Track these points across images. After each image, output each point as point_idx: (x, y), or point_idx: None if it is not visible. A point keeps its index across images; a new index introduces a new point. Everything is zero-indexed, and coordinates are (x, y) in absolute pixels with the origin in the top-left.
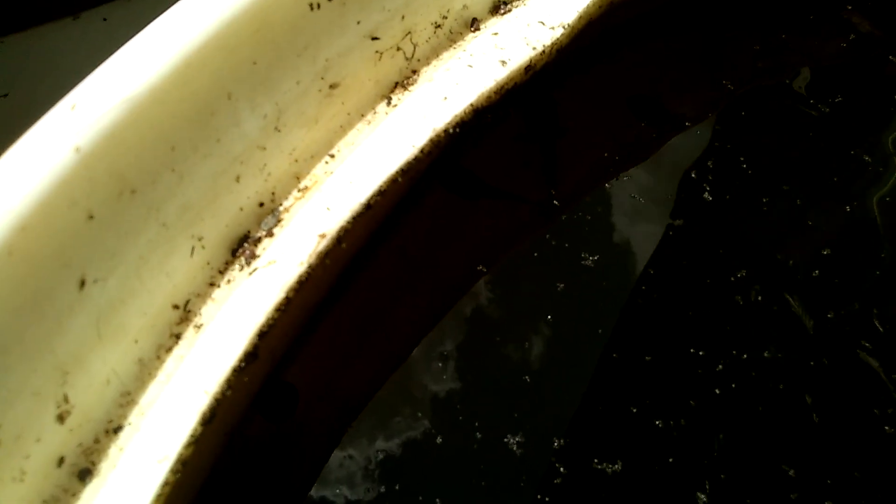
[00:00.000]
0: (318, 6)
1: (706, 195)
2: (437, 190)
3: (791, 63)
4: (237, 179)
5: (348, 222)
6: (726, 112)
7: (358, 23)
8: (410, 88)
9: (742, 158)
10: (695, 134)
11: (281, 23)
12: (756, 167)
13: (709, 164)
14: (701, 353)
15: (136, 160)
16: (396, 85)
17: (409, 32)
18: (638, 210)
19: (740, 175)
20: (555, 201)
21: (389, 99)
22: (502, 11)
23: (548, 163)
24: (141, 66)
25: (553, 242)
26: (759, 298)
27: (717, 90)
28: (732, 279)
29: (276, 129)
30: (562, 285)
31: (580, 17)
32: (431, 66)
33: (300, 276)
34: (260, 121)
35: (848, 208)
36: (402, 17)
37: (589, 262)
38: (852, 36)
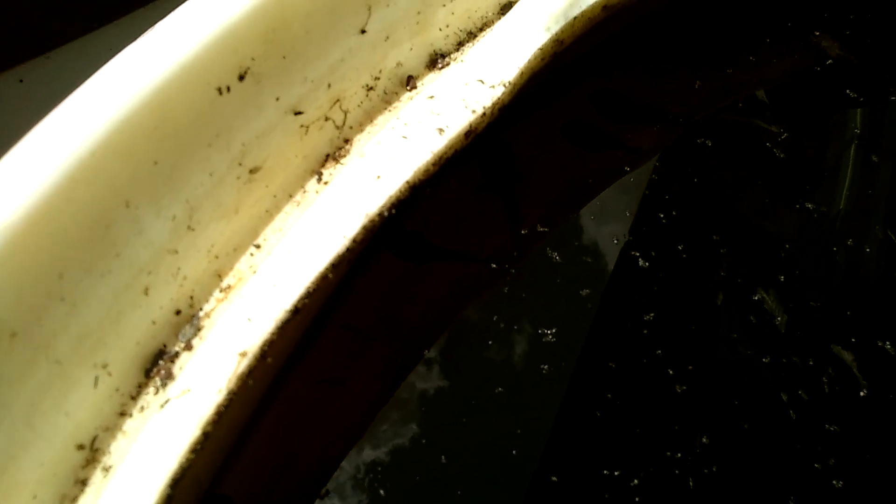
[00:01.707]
0: (228, 89)
1: (661, 237)
2: (383, 256)
3: (752, 90)
4: (145, 292)
5: (273, 334)
6: (681, 142)
7: (277, 99)
8: (343, 161)
9: (694, 195)
10: (650, 167)
11: (185, 114)
12: (708, 204)
13: (665, 197)
14: (639, 432)
15: (14, 301)
16: (328, 157)
17: (338, 100)
18: (591, 261)
19: (697, 213)
20: (493, 264)
21: (320, 174)
22: (440, 66)
23: (510, 210)
24: (13, 191)
25: (503, 309)
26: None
27: (673, 120)
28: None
29: (190, 228)
30: (515, 357)
31: (521, 74)
32: (365, 134)
33: (218, 407)
34: (168, 223)
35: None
36: (329, 86)
37: (549, 338)
38: (829, 62)
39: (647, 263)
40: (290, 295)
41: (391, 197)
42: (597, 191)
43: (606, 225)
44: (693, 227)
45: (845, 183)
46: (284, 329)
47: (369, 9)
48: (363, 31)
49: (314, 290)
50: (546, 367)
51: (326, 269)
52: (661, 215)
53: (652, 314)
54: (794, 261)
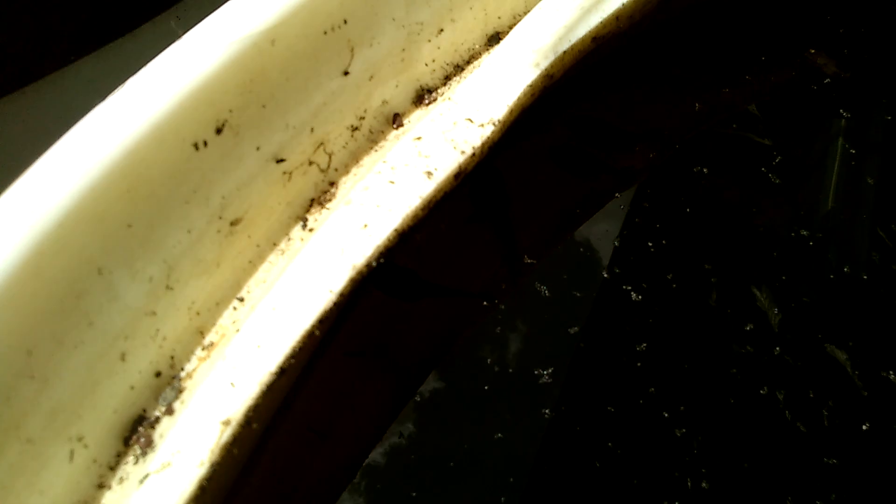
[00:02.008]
0: (205, 144)
1: (651, 264)
2: (373, 294)
3: (746, 106)
4: (122, 358)
5: (257, 398)
6: (672, 161)
7: (257, 148)
8: (328, 205)
9: (683, 217)
10: (643, 186)
11: (159, 173)
12: (698, 211)
13: (655, 224)
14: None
15: None
16: (313, 202)
17: (322, 143)
18: (581, 295)
19: (687, 238)
20: (485, 301)
21: (305, 221)
22: (427, 101)
23: (504, 240)
24: None
25: (496, 348)
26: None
27: (667, 139)
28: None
29: (168, 288)
30: (512, 401)
31: (511, 111)
32: (351, 175)
33: (201, 481)
34: (144, 286)
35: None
36: (312, 130)
37: (545, 378)
38: (826, 80)
39: (639, 296)
40: (274, 356)
41: (379, 246)
42: (588, 217)
43: (598, 253)
44: (685, 240)
45: (832, 180)
46: (270, 391)
47: (352, 50)
48: (346, 73)
49: (300, 348)
50: (547, 411)
51: (313, 325)
52: (649, 244)
53: (645, 344)
54: (787, 259)
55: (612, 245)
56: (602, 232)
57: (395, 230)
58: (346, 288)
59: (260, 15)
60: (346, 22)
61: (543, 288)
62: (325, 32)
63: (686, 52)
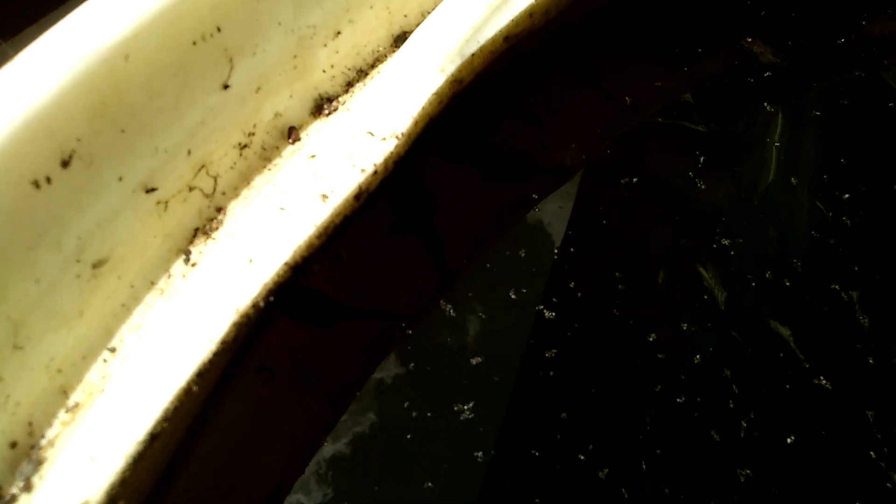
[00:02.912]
0: (49, 180)
1: (581, 268)
2: (283, 321)
3: (680, 97)
4: None
5: (122, 473)
6: (602, 157)
7: (120, 179)
8: (215, 235)
9: (608, 218)
10: (576, 183)
11: None
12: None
13: (579, 229)
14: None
15: None
16: (197, 232)
17: (204, 166)
18: (511, 299)
19: (611, 242)
20: (404, 322)
21: (188, 254)
22: (327, 111)
23: (431, 246)
24: None
25: (416, 381)
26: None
27: (595, 134)
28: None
29: (17, 347)
30: (438, 443)
31: (416, 122)
32: (241, 199)
33: None
34: None
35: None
36: (189, 152)
37: (467, 413)
38: (767, 74)
39: (553, 314)
40: (143, 422)
41: (267, 284)
42: (515, 224)
43: (526, 268)
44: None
45: (773, 156)
46: (140, 462)
47: (231, 60)
48: (226, 87)
49: (176, 408)
50: (480, 454)
51: (190, 381)
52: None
53: (557, 356)
54: (730, 236)
55: (551, 251)
56: (538, 234)
57: (286, 264)
58: (229, 334)
59: (108, 29)
60: (219, 30)
61: (469, 308)
62: (195, 43)
63: (615, 45)
